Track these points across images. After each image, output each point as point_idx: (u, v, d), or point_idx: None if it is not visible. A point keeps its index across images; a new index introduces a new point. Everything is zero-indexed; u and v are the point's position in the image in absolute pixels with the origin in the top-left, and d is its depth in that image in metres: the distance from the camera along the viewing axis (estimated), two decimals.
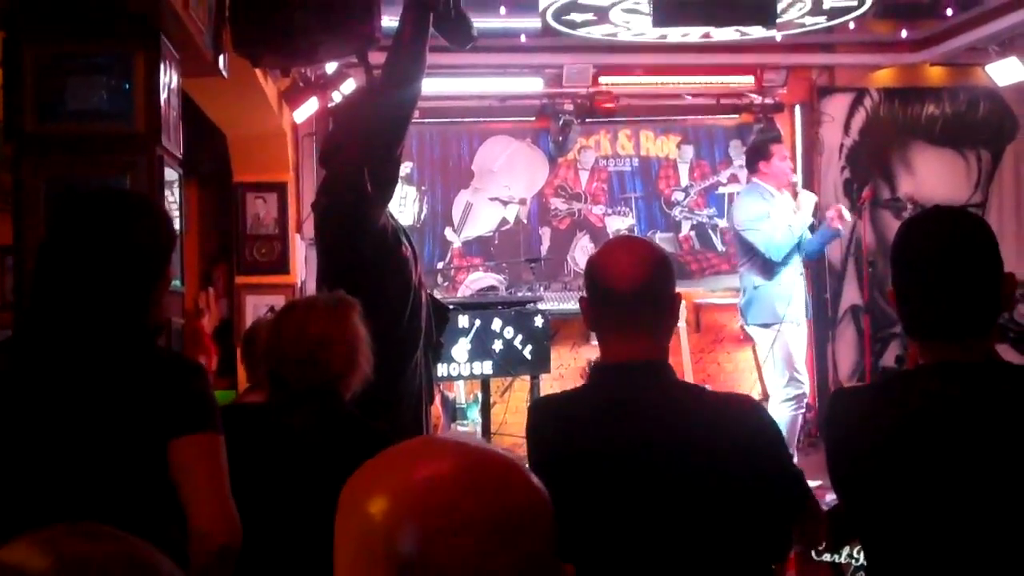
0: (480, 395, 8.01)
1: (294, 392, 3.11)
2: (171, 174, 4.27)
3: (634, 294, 2.49)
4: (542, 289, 9.11)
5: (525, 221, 10.12)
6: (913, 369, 2.42)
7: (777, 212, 7.56)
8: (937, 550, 2.23)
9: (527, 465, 2.52)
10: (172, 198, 4.28)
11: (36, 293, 2.67)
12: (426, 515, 1.08)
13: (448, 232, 10.09)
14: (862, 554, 4.82)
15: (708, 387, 2.55)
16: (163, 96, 4.09)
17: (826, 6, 7.61)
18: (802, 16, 7.78)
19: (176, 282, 4.36)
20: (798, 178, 8.43)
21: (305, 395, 3.10)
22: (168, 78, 4.17)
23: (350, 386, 3.16)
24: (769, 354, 7.69)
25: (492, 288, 8.78)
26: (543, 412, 2.72)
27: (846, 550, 4.81)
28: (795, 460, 2.62)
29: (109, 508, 2.47)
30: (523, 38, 8.96)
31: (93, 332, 2.59)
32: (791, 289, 7.59)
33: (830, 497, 3.02)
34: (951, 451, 2.20)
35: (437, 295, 7.96)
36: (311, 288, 8.56)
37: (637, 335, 2.51)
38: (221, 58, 4.92)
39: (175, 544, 2.52)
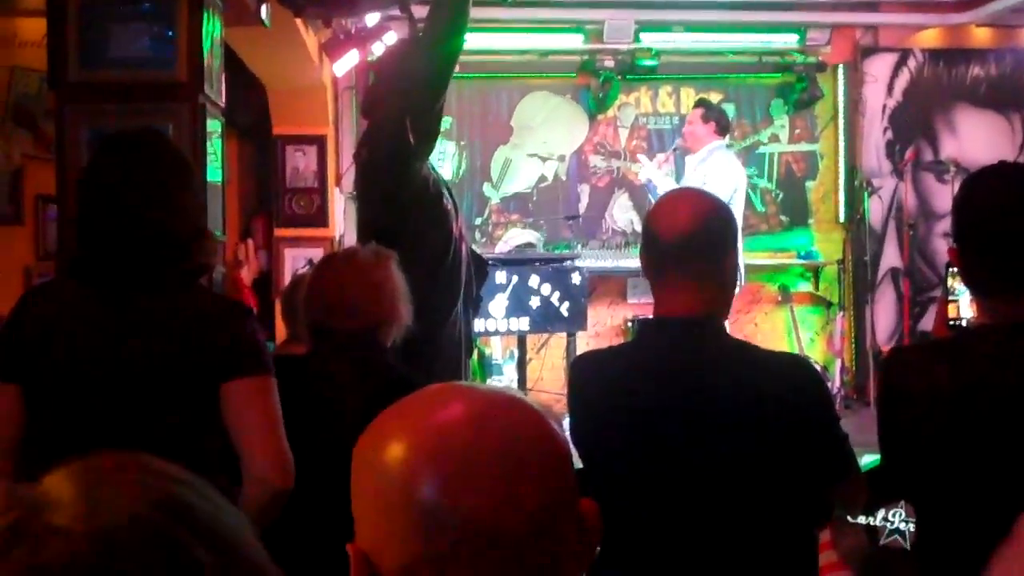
0: (516, 351, 8.02)
1: (334, 342, 3.12)
2: (213, 124, 4.26)
3: (681, 243, 2.42)
4: (580, 246, 9.08)
5: (564, 178, 10.08)
6: (977, 328, 2.39)
7: None
8: (996, 511, 2.20)
9: (567, 423, 2.51)
10: (213, 149, 4.28)
11: (81, 236, 2.68)
12: (441, 459, 1.08)
13: (487, 188, 10.06)
14: (896, 516, 4.81)
15: (758, 346, 2.47)
16: (206, 45, 4.08)
17: None
18: None
19: (217, 232, 4.37)
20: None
21: (345, 345, 3.10)
22: (211, 26, 4.15)
23: (389, 335, 3.16)
24: None
25: (530, 245, 8.76)
26: (584, 368, 2.68)
27: (881, 513, 4.79)
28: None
29: (153, 451, 2.48)
30: None
31: (138, 271, 2.59)
32: None
33: (866, 459, 3.00)
34: (1016, 416, 2.17)
35: (474, 248, 7.98)
36: (350, 241, 8.58)
37: (684, 287, 2.44)
38: (263, 7, 4.91)
39: (223, 488, 2.53)
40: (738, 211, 7.22)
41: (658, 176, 7.88)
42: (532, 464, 1.10)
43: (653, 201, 7.50)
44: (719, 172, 7.47)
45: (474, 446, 1.09)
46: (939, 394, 2.25)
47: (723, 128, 7.87)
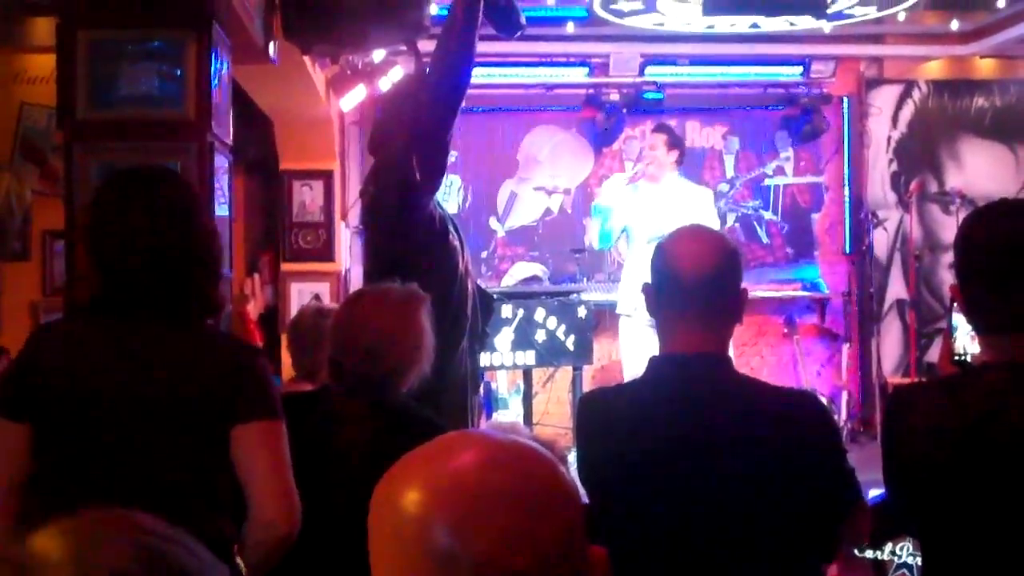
0: (522, 385, 8.02)
1: (346, 382, 3.11)
2: (221, 161, 4.28)
3: (699, 283, 2.46)
4: (585, 280, 9.09)
5: (569, 211, 10.11)
6: (979, 366, 2.39)
7: None
8: (1000, 552, 2.20)
9: (574, 457, 2.52)
10: (220, 185, 4.30)
11: (94, 272, 2.68)
12: (454, 504, 1.12)
13: (492, 221, 10.09)
14: (904, 551, 4.79)
15: (767, 382, 2.49)
16: (214, 83, 4.10)
17: None
18: (852, 7, 7.72)
19: (223, 268, 4.38)
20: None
21: (356, 387, 3.09)
22: (219, 65, 4.18)
23: (407, 381, 3.14)
24: None
25: (535, 278, 8.78)
26: (594, 405, 2.68)
27: (888, 546, 4.78)
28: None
29: (163, 493, 2.49)
30: (570, 27, 8.95)
31: (152, 309, 2.60)
32: None
33: (874, 492, 3.00)
34: (1018, 453, 2.17)
35: (480, 284, 7.97)
36: (356, 275, 8.60)
37: (698, 325, 2.48)
38: (271, 45, 4.94)
39: (224, 531, 2.53)
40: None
41: (617, 201, 7.72)
42: (542, 508, 1.14)
43: (601, 226, 7.51)
44: (686, 204, 7.46)
45: (486, 491, 1.13)
46: (942, 431, 2.26)
47: (683, 156, 7.83)
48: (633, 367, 7.53)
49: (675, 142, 7.69)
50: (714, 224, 7.47)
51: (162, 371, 2.55)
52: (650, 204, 7.48)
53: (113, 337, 2.59)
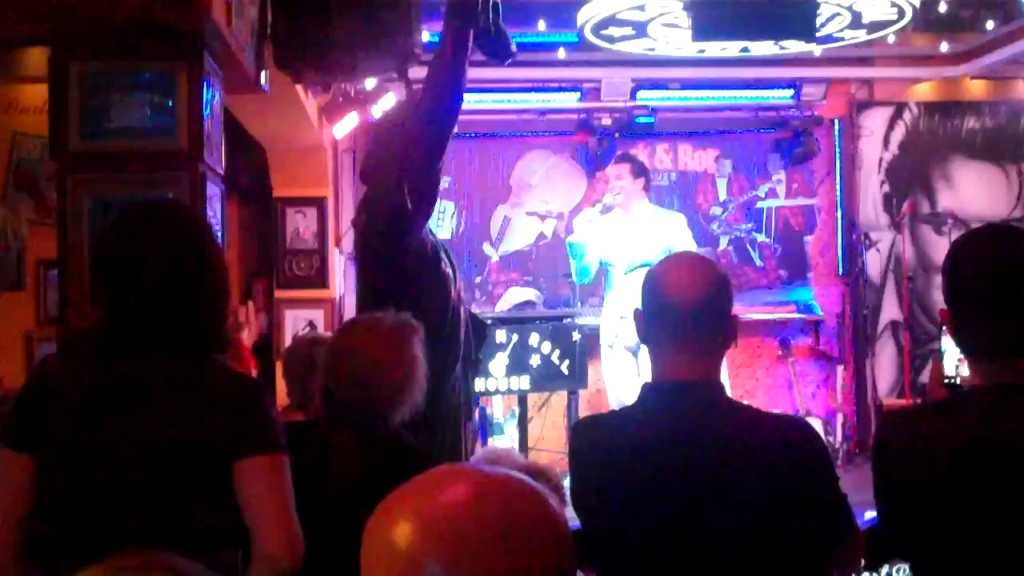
0: (517, 410, 8.01)
1: (338, 411, 3.11)
2: (213, 190, 4.29)
3: (691, 310, 2.47)
4: (579, 304, 9.10)
5: (563, 235, 10.11)
6: (968, 391, 2.40)
7: None
8: (991, 571, 2.21)
9: (568, 484, 2.52)
10: (213, 213, 4.31)
11: (104, 305, 2.68)
12: (445, 537, 1.14)
13: (486, 246, 10.11)
14: (900, 573, 4.79)
15: (759, 408, 2.50)
16: (206, 113, 4.11)
17: (865, 20, 7.58)
18: (842, 30, 7.75)
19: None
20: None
21: (348, 416, 3.09)
22: (211, 95, 4.19)
23: (399, 411, 3.14)
24: None
25: (530, 303, 8.77)
26: (587, 432, 2.69)
27: (884, 569, 4.78)
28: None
29: (169, 528, 2.49)
30: (561, 52, 8.98)
31: (160, 348, 2.60)
32: None
33: (869, 515, 3.00)
34: (1008, 476, 2.18)
35: (474, 309, 7.97)
36: (350, 302, 8.60)
37: (691, 353, 2.49)
38: (263, 74, 4.95)
39: (229, 566, 2.54)
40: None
41: (590, 235, 7.80)
42: (531, 539, 1.16)
43: (578, 262, 7.55)
44: (659, 230, 7.48)
45: (476, 524, 1.15)
46: (933, 455, 2.27)
47: (649, 183, 7.89)
48: (617, 395, 7.56)
49: (640, 170, 7.78)
50: (692, 248, 7.49)
51: (167, 408, 2.56)
52: (623, 234, 7.53)
53: (119, 373, 2.60)
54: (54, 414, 2.58)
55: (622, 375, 7.49)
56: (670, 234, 7.47)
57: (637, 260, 7.40)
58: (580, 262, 7.61)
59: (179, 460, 2.54)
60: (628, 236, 7.47)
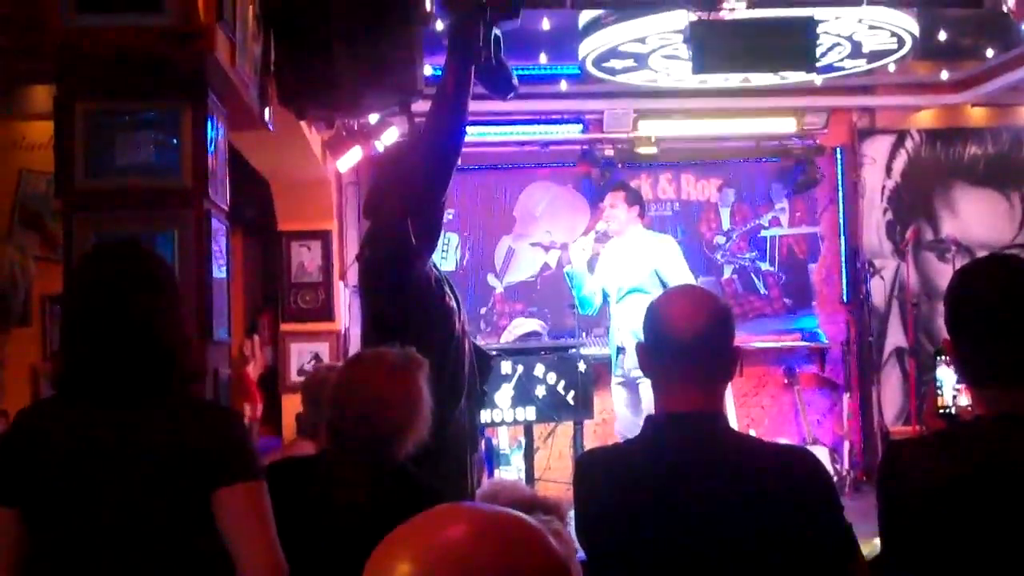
0: (523, 441, 8.01)
1: (344, 447, 3.12)
2: (218, 226, 4.32)
3: (693, 343, 2.48)
4: (584, 334, 9.11)
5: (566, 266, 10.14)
6: (971, 420, 2.41)
7: None
8: None
9: (573, 516, 2.54)
10: (219, 249, 4.33)
11: (66, 352, 2.70)
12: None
13: (490, 278, 10.13)
14: None
15: (762, 438, 2.54)
16: (210, 150, 4.14)
17: (866, 49, 7.63)
18: (842, 59, 7.79)
19: (222, 332, 4.40)
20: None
21: (355, 451, 3.10)
22: (215, 132, 4.22)
23: (404, 446, 3.15)
24: None
25: (534, 333, 8.78)
26: (591, 465, 2.70)
27: None
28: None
29: (153, 565, 2.51)
30: (564, 84, 9.03)
31: (125, 383, 2.61)
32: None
33: (875, 543, 3.00)
34: (1012, 505, 2.19)
35: (479, 341, 7.97)
36: (355, 335, 8.61)
37: (694, 385, 2.50)
38: (266, 111, 4.99)
39: None
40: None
41: (587, 265, 7.78)
42: None
43: (577, 293, 7.56)
44: (653, 256, 7.48)
45: (475, 564, 1.15)
46: (936, 485, 2.27)
47: (644, 212, 7.87)
48: (619, 426, 7.56)
49: (634, 198, 7.76)
50: (684, 273, 7.50)
51: (140, 445, 2.57)
52: (618, 260, 7.53)
53: (89, 415, 2.60)
54: (36, 466, 2.58)
55: (621, 406, 7.49)
56: (658, 257, 7.45)
57: (626, 286, 7.41)
58: (580, 293, 7.61)
59: (161, 493, 2.55)
60: (622, 262, 7.49)
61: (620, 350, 7.41)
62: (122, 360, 2.61)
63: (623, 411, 7.44)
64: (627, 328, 7.22)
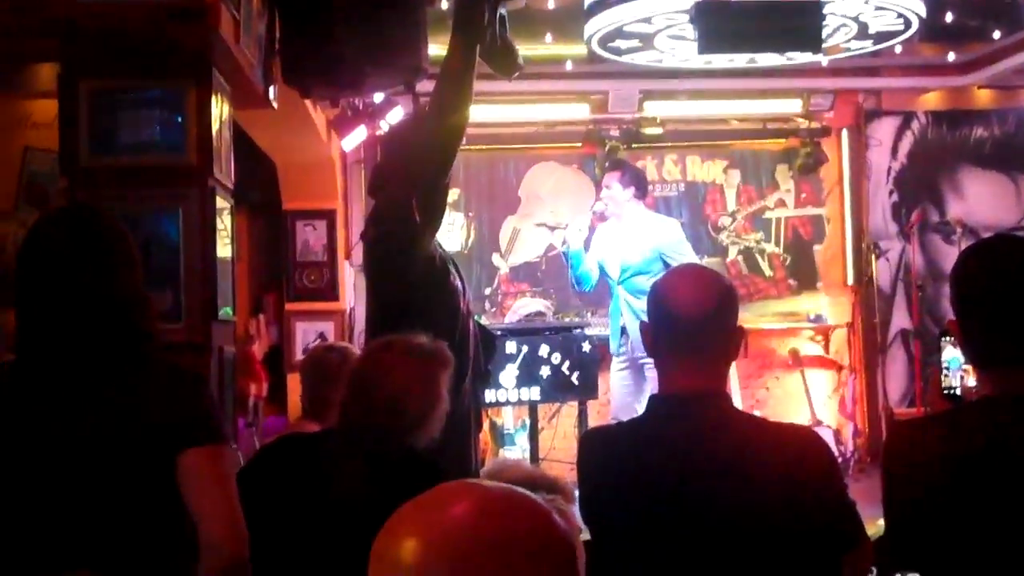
0: (528, 421, 8.01)
1: (358, 430, 3.08)
2: (222, 204, 4.32)
3: (697, 323, 2.48)
4: (589, 314, 9.10)
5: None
6: (979, 400, 2.41)
7: None
8: None
9: (577, 495, 2.54)
10: (223, 227, 4.33)
11: (20, 319, 2.67)
12: (450, 554, 1.16)
13: (495, 258, 10.13)
14: None
15: (766, 417, 2.54)
16: (215, 129, 4.15)
17: (872, 30, 7.59)
18: (848, 40, 7.76)
19: (227, 310, 4.41)
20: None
21: (367, 435, 3.06)
22: (220, 111, 4.22)
23: (413, 441, 3.11)
24: None
25: (539, 314, 8.77)
26: (594, 444, 2.70)
27: None
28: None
29: (118, 532, 2.50)
30: (569, 65, 9.01)
31: (84, 348, 2.58)
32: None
33: (880, 524, 3.01)
34: (1018, 486, 2.19)
35: (484, 321, 7.97)
36: (360, 314, 8.62)
37: (698, 365, 2.51)
38: (271, 89, 4.99)
39: (179, 566, 2.55)
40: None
41: (581, 242, 7.69)
42: (535, 556, 1.18)
43: (575, 270, 7.51)
44: (653, 236, 7.44)
45: (480, 541, 1.17)
46: (941, 466, 2.27)
47: (642, 191, 7.71)
48: (617, 408, 7.51)
49: (631, 179, 7.63)
50: (688, 254, 7.47)
51: (99, 408, 2.53)
52: (617, 240, 7.49)
53: (46, 380, 2.58)
54: None
55: (618, 388, 7.46)
56: (660, 239, 7.40)
57: (628, 267, 7.37)
58: (578, 271, 7.57)
59: (121, 458, 2.51)
60: (619, 243, 7.46)
61: (622, 331, 7.39)
62: (72, 321, 2.57)
63: (620, 394, 7.40)
64: (629, 309, 7.21)
